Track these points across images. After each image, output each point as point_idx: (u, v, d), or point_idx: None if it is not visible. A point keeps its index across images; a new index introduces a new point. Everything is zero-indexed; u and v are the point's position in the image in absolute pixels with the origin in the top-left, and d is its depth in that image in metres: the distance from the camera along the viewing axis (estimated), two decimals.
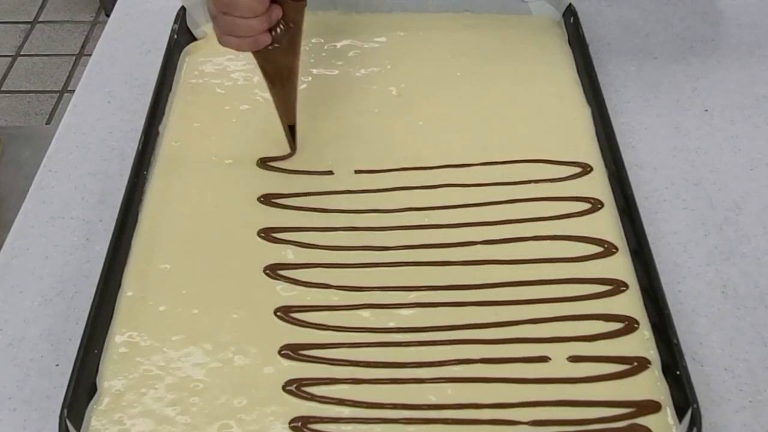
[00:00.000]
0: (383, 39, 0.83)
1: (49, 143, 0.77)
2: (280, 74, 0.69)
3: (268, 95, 0.77)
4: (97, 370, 0.57)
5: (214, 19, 0.65)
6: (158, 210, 0.68)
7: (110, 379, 0.56)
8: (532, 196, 0.68)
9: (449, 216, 0.66)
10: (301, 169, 0.71)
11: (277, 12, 0.64)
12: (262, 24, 0.64)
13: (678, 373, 0.55)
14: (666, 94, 0.80)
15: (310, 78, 0.79)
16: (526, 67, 0.80)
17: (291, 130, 0.72)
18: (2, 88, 2.11)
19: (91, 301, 0.60)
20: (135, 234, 0.66)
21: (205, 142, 0.73)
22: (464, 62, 0.80)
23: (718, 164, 0.73)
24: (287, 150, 0.72)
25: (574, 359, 0.57)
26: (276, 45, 0.66)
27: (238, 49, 0.66)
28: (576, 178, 0.69)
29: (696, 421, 0.52)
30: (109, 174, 0.74)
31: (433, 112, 0.76)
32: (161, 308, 0.61)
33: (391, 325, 0.60)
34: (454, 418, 0.54)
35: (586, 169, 0.70)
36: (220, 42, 0.66)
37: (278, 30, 0.65)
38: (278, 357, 0.58)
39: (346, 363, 0.57)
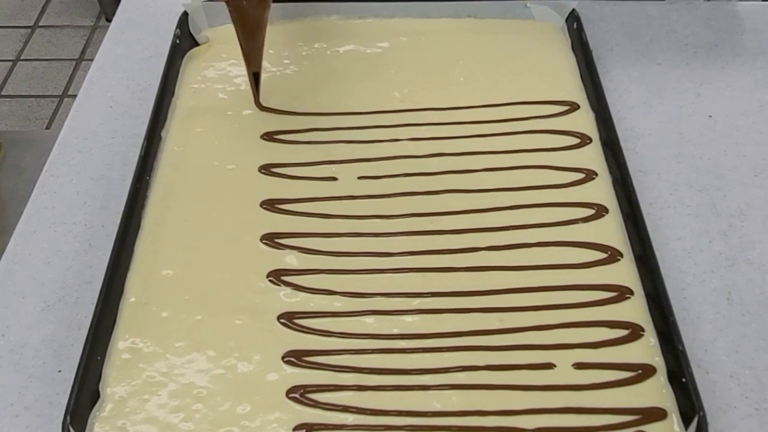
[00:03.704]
0: (386, 44, 0.83)
1: (50, 148, 0.77)
2: (249, 25, 0.73)
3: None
4: (99, 377, 0.57)
5: None
6: (161, 215, 0.67)
7: (113, 386, 0.56)
8: (536, 201, 0.68)
9: (453, 222, 0.66)
10: (304, 175, 0.71)
11: None
12: None
13: (684, 380, 0.54)
14: (670, 99, 0.80)
15: None
16: (529, 72, 0.80)
17: (255, 78, 0.75)
18: (2, 93, 2.11)
19: (93, 307, 0.59)
20: (137, 239, 0.65)
21: (207, 148, 0.73)
22: (467, 67, 0.80)
23: (722, 170, 0.73)
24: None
25: (579, 366, 0.57)
26: None
27: None
28: (580, 184, 0.69)
29: (702, 429, 0.52)
30: (112, 179, 0.73)
31: (437, 118, 0.75)
32: (164, 314, 0.61)
33: (395, 331, 0.59)
34: (458, 425, 0.54)
35: (590, 175, 0.69)
36: None
37: None
38: (282, 363, 0.57)
39: (350, 370, 0.57)
